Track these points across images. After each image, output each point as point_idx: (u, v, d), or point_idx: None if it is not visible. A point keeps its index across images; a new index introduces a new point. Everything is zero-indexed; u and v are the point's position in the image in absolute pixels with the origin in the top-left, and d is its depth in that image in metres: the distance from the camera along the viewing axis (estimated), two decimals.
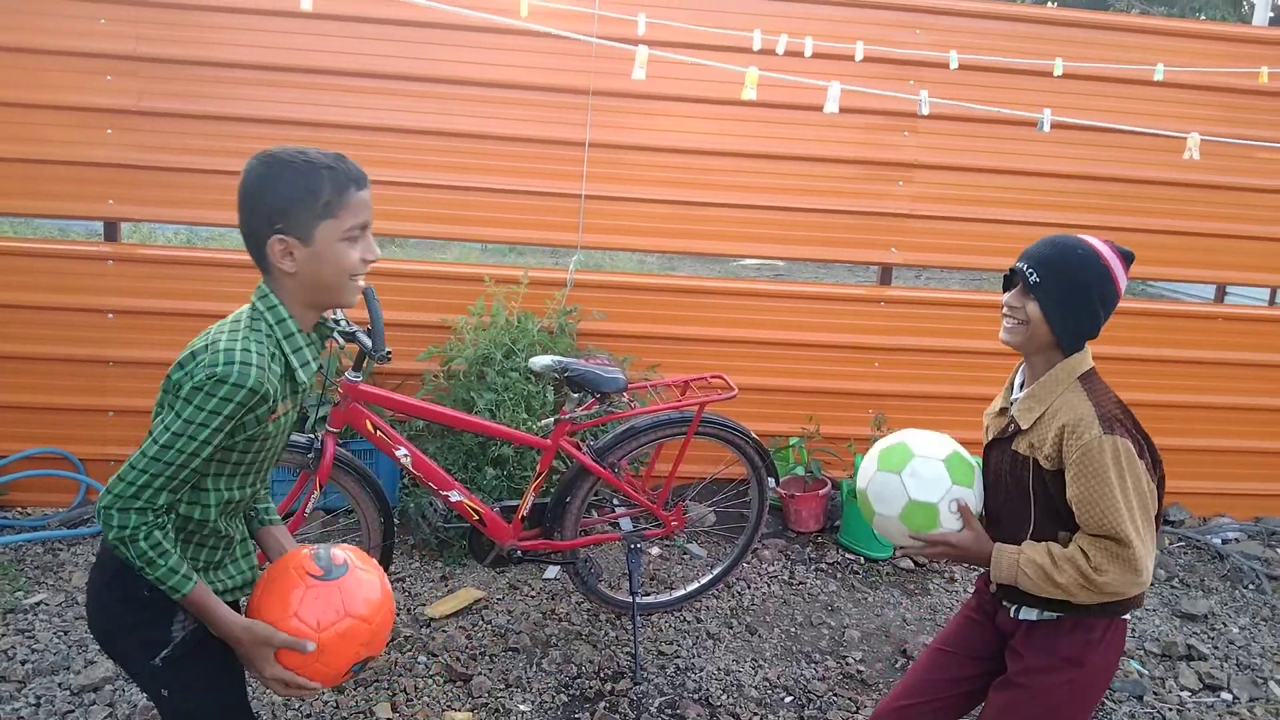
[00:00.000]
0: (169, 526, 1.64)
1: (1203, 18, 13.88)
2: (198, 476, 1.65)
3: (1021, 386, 2.08)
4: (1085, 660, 1.96)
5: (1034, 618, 2.00)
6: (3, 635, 3.16)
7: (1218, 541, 4.58)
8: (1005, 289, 2.07)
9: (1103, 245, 1.96)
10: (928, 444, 2.03)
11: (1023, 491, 1.97)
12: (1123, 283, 1.96)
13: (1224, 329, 4.73)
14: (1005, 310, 2.04)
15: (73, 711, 2.80)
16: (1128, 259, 1.98)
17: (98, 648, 3.09)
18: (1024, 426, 1.97)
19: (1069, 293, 1.93)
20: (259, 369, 1.59)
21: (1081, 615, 1.95)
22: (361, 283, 1.75)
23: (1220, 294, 5.05)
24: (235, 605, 1.79)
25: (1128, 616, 2.02)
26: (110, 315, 4.10)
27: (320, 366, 1.77)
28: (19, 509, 4.10)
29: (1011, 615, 2.04)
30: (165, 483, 1.58)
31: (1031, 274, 1.96)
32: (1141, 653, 3.62)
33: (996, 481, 2.06)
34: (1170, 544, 4.56)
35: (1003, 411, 2.12)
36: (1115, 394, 1.97)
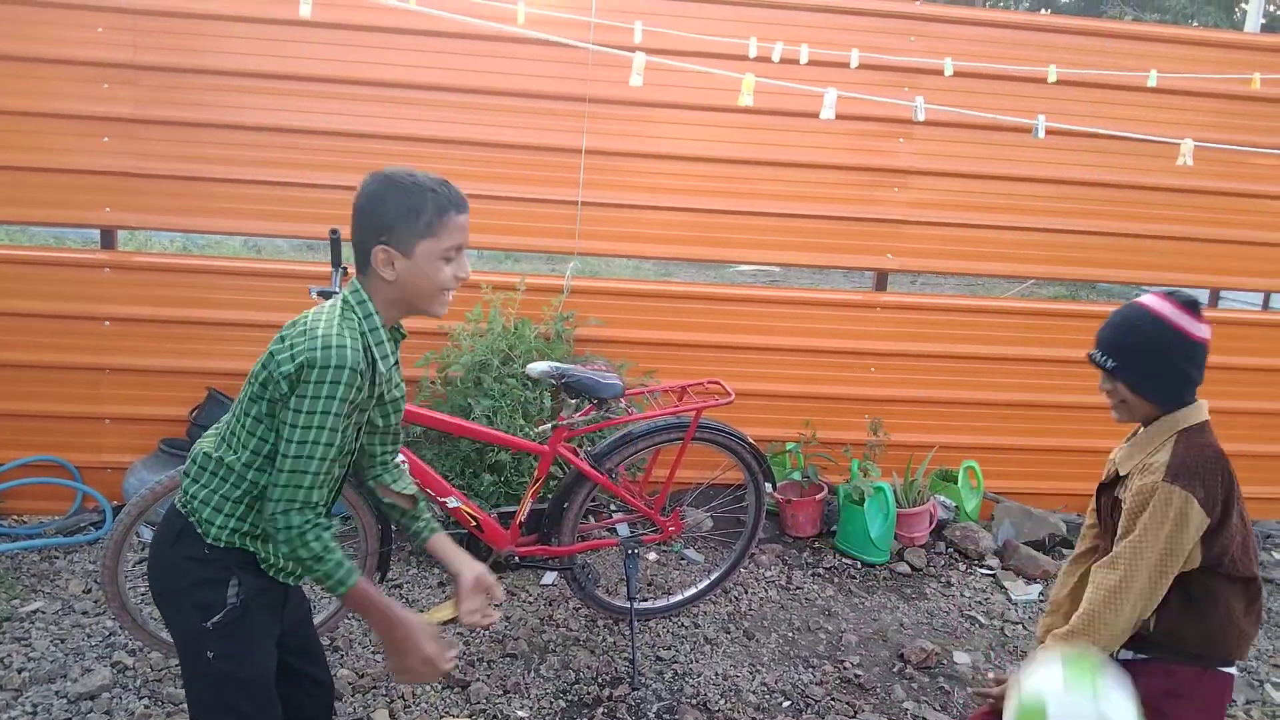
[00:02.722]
0: (334, 528, 1.79)
1: (1196, 24, 13.95)
2: (252, 439, 1.79)
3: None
4: (1169, 713, 1.87)
5: (1128, 656, 1.95)
6: None
7: None
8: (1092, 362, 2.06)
9: (1164, 304, 1.95)
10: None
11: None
12: (1198, 330, 1.96)
13: (1218, 334, 4.66)
14: (1103, 394, 2.07)
15: (70, 719, 2.80)
16: (1193, 306, 1.97)
17: (95, 655, 3.09)
18: (1121, 473, 2.01)
19: (1149, 365, 1.95)
20: (354, 350, 1.73)
21: (1166, 657, 1.90)
22: (451, 296, 1.89)
23: (1214, 299, 5.07)
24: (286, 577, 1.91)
25: (1230, 670, 1.91)
26: (107, 323, 4.10)
27: (396, 363, 1.93)
28: (15, 517, 4.09)
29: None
30: (314, 479, 1.74)
31: (1107, 360, 1.99)
32: None
33: (1104, 522, 2.10)
34: None
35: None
36: (1215, 448, 1.96)
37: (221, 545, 1.81)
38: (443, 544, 2.08)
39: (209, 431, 1.93)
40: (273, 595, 1.91)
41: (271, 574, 1.87)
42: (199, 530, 1.81)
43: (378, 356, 1.83)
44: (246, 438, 1.80)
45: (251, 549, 1.84)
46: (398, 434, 2.08)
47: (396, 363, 1.94)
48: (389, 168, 1.84)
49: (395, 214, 1.78)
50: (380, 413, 1.97)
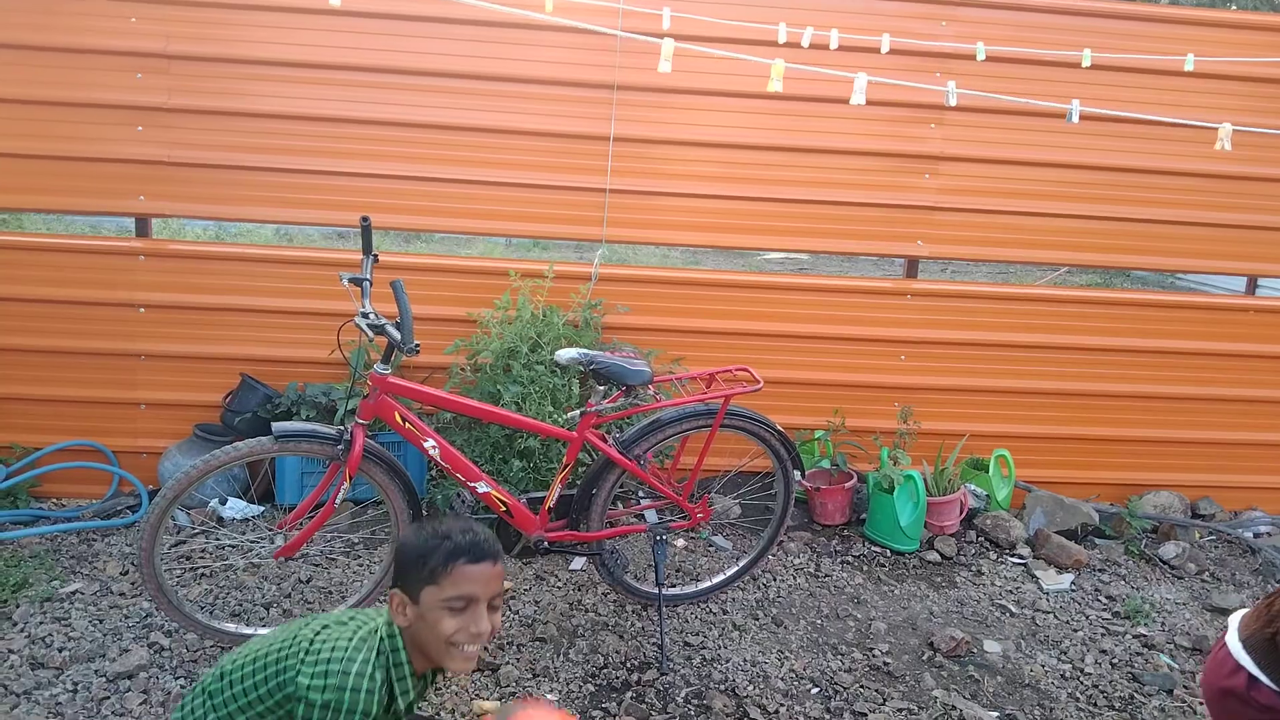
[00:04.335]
0: None
1: (1233, 7, 13.71)
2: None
3: None
4: None
5: None
6: (40, 623, 3.21)
7: (1249, 535, 4.54)
8: None
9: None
10: None
11: None
12: None
13: (1255, 321, 4.68)
14: None
15: (108, 698, 2.85)
16: None
17: (132, 636, 3.14)
18: None
19: None
20: (369, 693, 1.78)
21: None
22: (472, 651, 1.86)
23: (1251, 286, 4.99)
24: None
25: None
26: (141, 309, 4.15)
27: (416, 696, 1.95)
28: (54, 500, 4.16)
29: None
30: None
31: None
32: (1172, 646, 3.59)
33: None
34: (1201, 538, 4.51)
35: None
36: None
37: None
38: None
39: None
40: None
41: None
42: None
43: (398, 693, 1.86)
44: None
45: None
46: None
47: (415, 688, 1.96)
48: (433, 521, 1.88)
49: (409, 560, 1.83)
50: None
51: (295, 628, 1.90)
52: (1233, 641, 1.89)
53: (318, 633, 1.86)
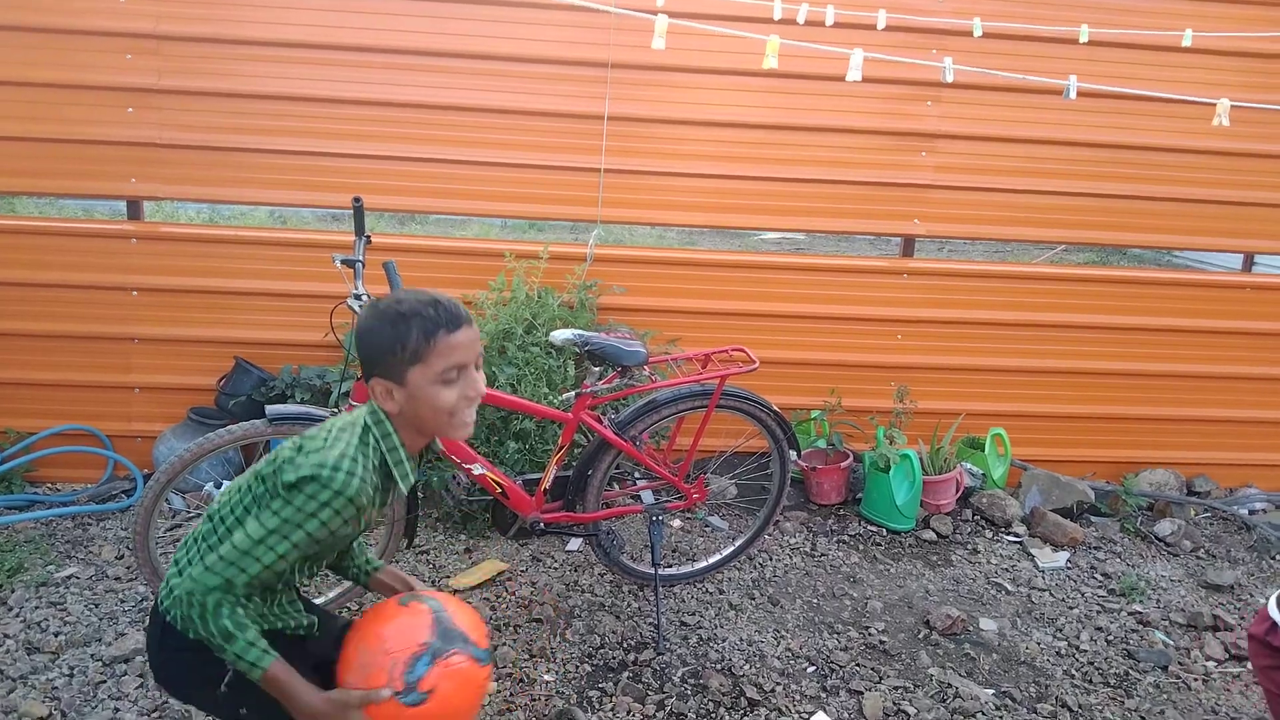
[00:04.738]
0: (249, 606, 1.75)
1: None
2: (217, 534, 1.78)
3: None
4: None
5: None
6: (36, 608, 3.21)
7: (1244, 512, 4.55)
8: None
9: None
10: None
11: None
12: None
13: (1252, 298, 4.67)
14: None
15: (105, 682, 2.85)
16: None
17: (128, 620, 3.14)
18: None
19: None
20: (360, 479, 1.68)
21: None
22: (471, 415, 1.80)
23: (1248, 263, 4.98)
24: (288, 638, 1.89)
25: None
26: (134, 293, 4.13)
27: (420, 476, 1.86)
28: (49, 484, 4.15)
29: None
30: (251, 577, 1.68)
31: None
32: (1167, 623, 3.60)
33: None
34: (1196, 515, 4.52)
35: None
36: None
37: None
38: (384, 577, 2.10)
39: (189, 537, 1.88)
40: (283, 640, 1.86)
41: (271, 628, 1.84)
42: (180, 628, 1.71)
43: (398, 477, 1.80)
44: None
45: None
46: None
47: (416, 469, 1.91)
48: (382, 298, 1.79)
49: (381, 347, 1.73)
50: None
51: (273, 453, 1.81)
52: (1273, 599, 2.19)
53: (297, 445, 1.77)
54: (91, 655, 2.97)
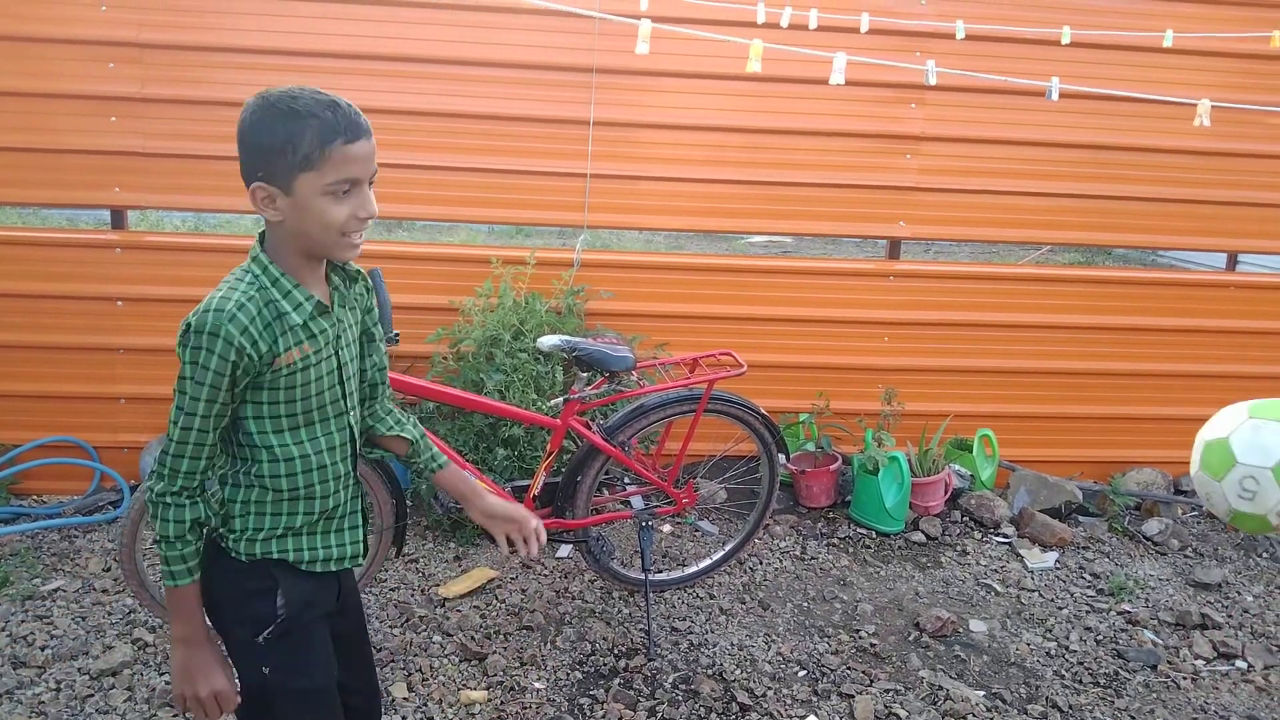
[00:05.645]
0: (201, 509, 1.63)
1: None
2: (223, 436, 1.66)
3: None
4: None
5: None
6: (22, 621, 3.18)
7: None
8: None
9: None
10: None
11: None
12: None
13: (1236, 297, 4.70)
14: None
15: (92, 695, 2.83)
16: None
17: (115, 633, 3.12)
18: None
19: None
20: (231, 315, 1.55)
21: None
22: (360, 239, 1.65)
23: (1231, 262, 5.01)
24: (333, 578, 1.83)
25: None
26: (119, 303, 4.11)
27: (338, 304, 1.74)
28: (35, 497, 4.12)
29: None
30: (185, 449, 1.59)
31: None
32: (1155, 622, 3.62)
33: None
34: (1184, 514, 4.54)
35: None
36: None
37: (258, 558, 1.71)
38: (452, 476, 2.00)
39: None
40: (323, 599, 1.81)
41: (307, 569, 1.77)
42: (224, 545, 1.71)
43: (289, 308, 1.62)
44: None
45: (281, 554, 1.73)
46: (376, 385, 1.93)
47: (350, 306, 1.77)
48: (272, 88, 1.60)
49: (270, 144, 1.55)
50: (329, 366, 1.72)
51: None
52: None
53: None
54: (79, 669, 2.95)
